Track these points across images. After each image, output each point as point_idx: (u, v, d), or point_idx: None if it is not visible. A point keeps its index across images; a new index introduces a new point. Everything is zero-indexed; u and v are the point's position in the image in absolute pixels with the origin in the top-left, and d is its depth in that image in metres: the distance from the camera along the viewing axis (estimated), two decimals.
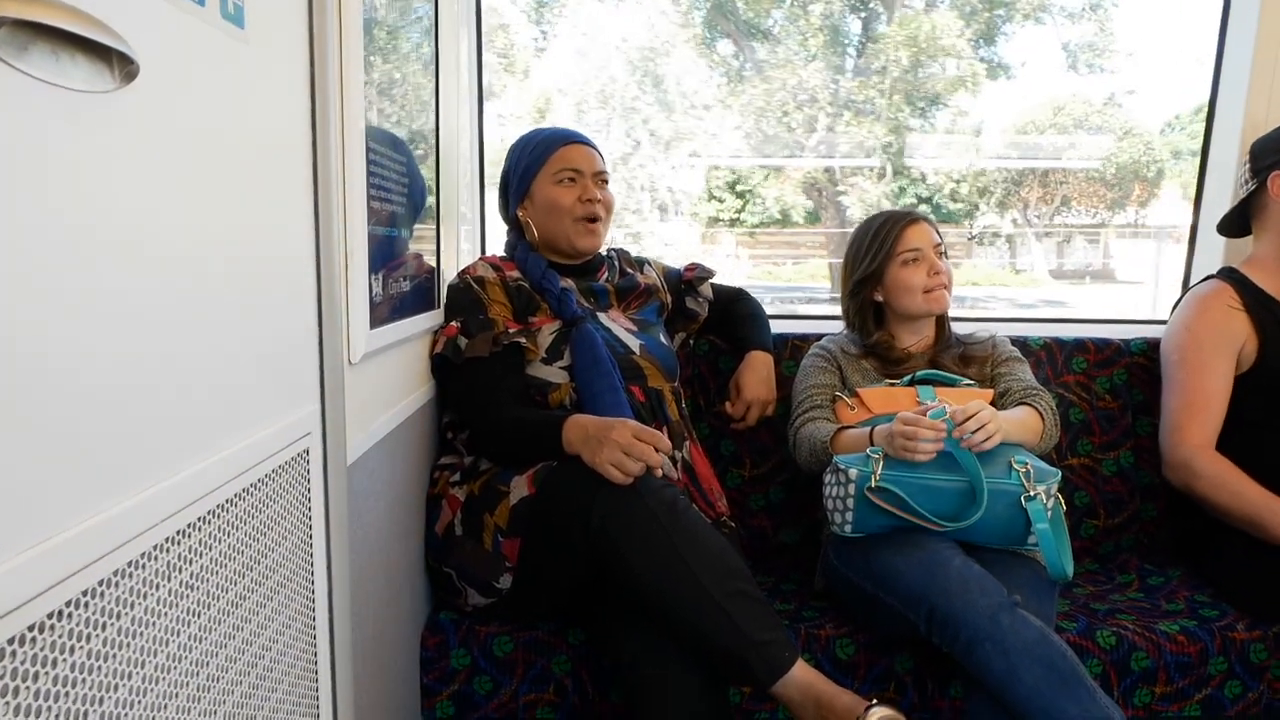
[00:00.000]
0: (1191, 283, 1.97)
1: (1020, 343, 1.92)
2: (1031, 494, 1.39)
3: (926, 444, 1.38)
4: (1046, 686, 1.20)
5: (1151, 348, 1.95)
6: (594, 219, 1.66)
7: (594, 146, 1.71)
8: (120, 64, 0.60)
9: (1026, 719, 1.21)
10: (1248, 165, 1.75)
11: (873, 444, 1.47)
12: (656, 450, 1.32)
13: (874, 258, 1.71)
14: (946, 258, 1.72)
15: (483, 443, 1.53)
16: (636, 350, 1.63)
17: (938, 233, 1.72)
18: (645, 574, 1.28)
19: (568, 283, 1.67)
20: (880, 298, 1.74)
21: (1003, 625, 1.24)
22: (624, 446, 1.31)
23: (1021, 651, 1.22)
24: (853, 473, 1.42)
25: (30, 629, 0.52)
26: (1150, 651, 1.48)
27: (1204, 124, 2.14)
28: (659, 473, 1.36)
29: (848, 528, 1.45)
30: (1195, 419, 1.68)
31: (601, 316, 1.66)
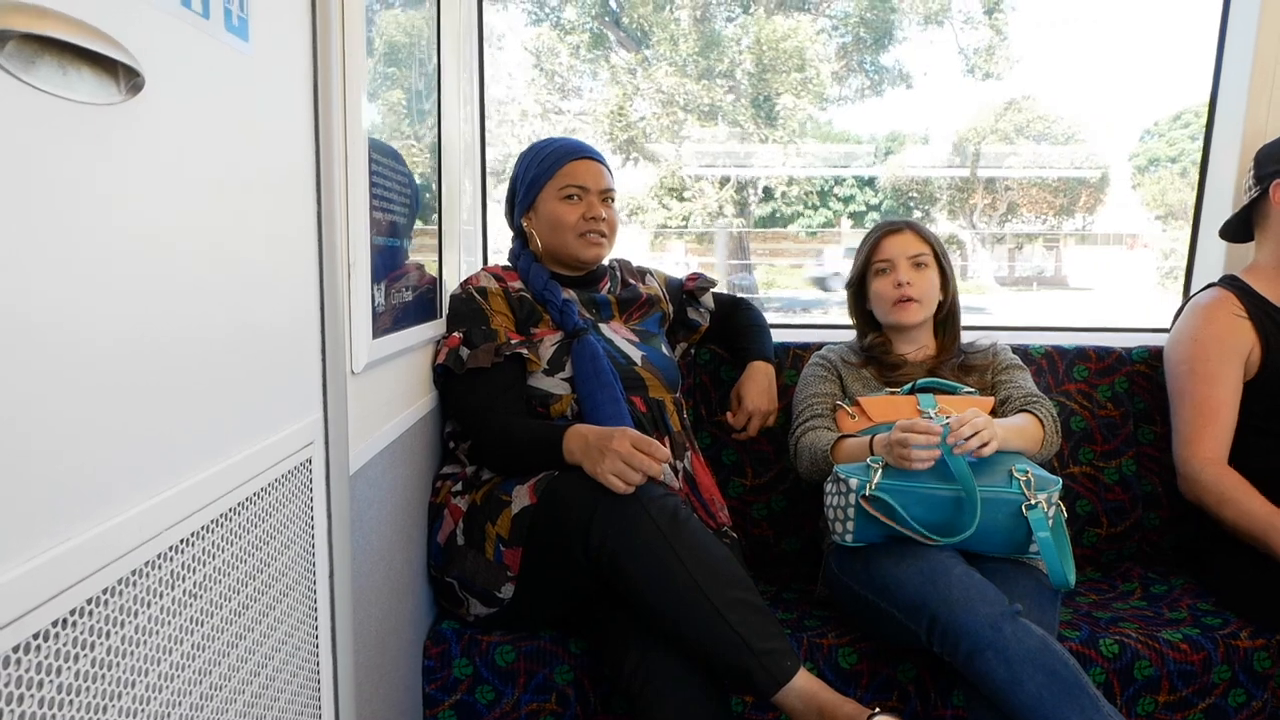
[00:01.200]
0: (1193, 290, 1.97)
1: (1021, 351, 1.92)
2: (1033, 502, 1.39)
3: (920, 451, 1.38)
4: (1049, 695, 1.19)
5: (1153, 355, 1.95)
6: (598, 236, 1.66)
7: (603, 162, 1.71)
8: (126, 76, 0.61)
9: None
10: (1252, 172, 1.76)
11: (873, 453, 1.47)
12: (656, 460, 1.33)
13: (857, 266, 1.76)
14: (940, 268, 1.72)
15: (484, 452, 1.54)
16: (638, 361, 1.64)
17: (927, 241, 1.71)
18: (646, 584, 1.28)
19: (570, 294, 1.67)
20: (870, 306, 1.77)
21: (1005, 634, 1.24)
22: (624, 456, 1.32)
23: (1024, 660, 1.22)
24: (853, 482, 1.42)
25: (35, 636, 0.52)
26: (1154, 660, 1.48)
27: (1183, 131, 2.15)
28: (660, 480, 1.36)
29: (848, 537, 1.45)
30: (1207, 431, 1.68)
31: (603, 328, 1.67)
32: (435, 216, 1.61)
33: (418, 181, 1.46)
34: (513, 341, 1.55)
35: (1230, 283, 1.78)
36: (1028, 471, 1.41)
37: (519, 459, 1.48)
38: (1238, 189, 1.81)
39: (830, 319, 1.92)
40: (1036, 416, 1.57)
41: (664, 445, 1.58)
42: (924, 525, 1.39)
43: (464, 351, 1.52)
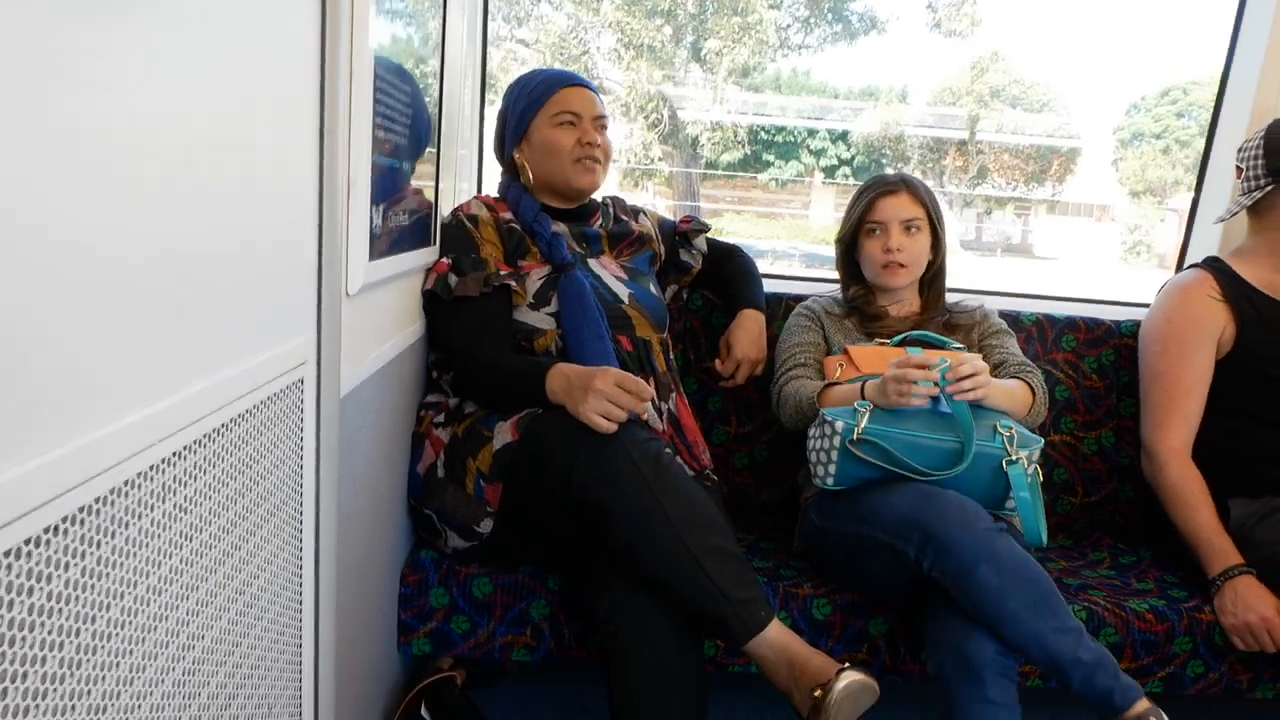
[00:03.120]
0: (1186, 265, 1.97)
1: (1012, 317, 1.93)
2: (1014, 458, 1.40)
3: (921, 387, 1.39)
4: (1032, 604, 1.26)
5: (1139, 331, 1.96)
6: (593, 161, 1.64)
7: (593, 89, 1.68)
8: None
9: (1012, 634, 1.26)
10: (1262, 161, 1.68)
11: (863, 397, 1.47)
12: (641, 398, 1.32)
13: (849, 223, 1.74)
14: (933, 231, 1.70)
15: (466, 384, 1.52)
16: (625, 299, 1.62)
17: (922, 203, 1.69)
18: (625, 526, 1.28)
19: (560, 227, 1.64)
20: (857, 260, 1.76)
21: (998, 547, 1.28)
22: (609, 395, 1.31)
23: (1011, 572, 1.27)
24: (839, 425, 1.42)
25: (27, 542, 0.50)
26: (1119, 628, 1.51)
27: (1170, 107, 2.14)
28: (645, 418, 1.35)
29: (830, 480, 1.46)
30: (1175, 415, 1.70)
31: (592, 263, 1.65)
32: (435, 141, 1.57)
33: (422, 104, 1.42)
34: (501, 273, 1.53)
35: (1212, 264, 1.78)
36: (1011, 428, 1.43)
37: (502, 393, 1.46)
38: (1246, 173, 1.75)
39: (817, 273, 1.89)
40: (1029, 384, 1.58)
41: (649, 386, 1.57)
42: (912, 472, 1.41)
43: (452, 279, 1.49)
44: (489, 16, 2.05)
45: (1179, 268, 2.14)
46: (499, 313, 1.53)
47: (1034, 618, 1.25)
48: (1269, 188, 1.67)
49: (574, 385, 1.35)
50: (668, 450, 1.37)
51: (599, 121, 1.66)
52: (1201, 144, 2.12)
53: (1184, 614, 1.54)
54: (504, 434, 1.41)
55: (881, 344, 1.65)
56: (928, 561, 1.31)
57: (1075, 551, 1.85)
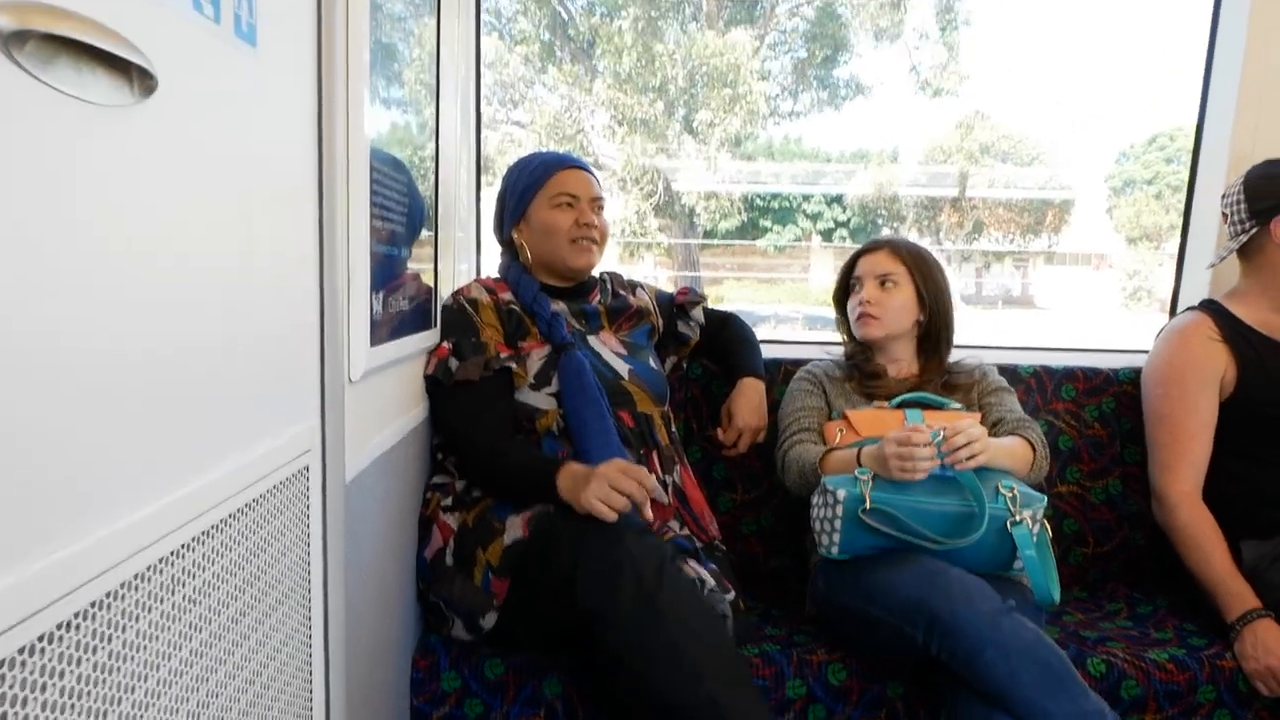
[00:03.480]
0: (1178, 311, 1.99)
1: (1010, 370, 1.94)
2: (1017, 519, 1.40)
3: (923, 462, 1.39)
4: (1044, 686, 1.22)
5: (1140, 377, 1.97)
6: (589, 242, 1.67)
7: (591, 171, 1.73)
8: (139, 78, 0.61)
9: (1026, 717, 1.23)
10: (1245, 205, 1.72)
11: (860, 465, 1.48)
12: (643, 484, 1.33)
13: (838, 282, 1.84)
14: (917, 290, 1.72)
15: (468, 471, 1.53)
16: (625, 375, 1.64)
17: (901, 260, 1.72)
18: (627, 655, 1.24)
19: (559, 306, 1.67)
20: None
21: (1004, 629, 1.26)
22: (610, 480, 1.32)
23: (1020, 654, 1.24)
24: (840, 494, 1.43)
25: (40, 639, 0.52)
26: (1140, 680, 1.49)
27: (1158, 154, 2.18)
28: (646, 510, 1.34)
29: (835, 549, 1.45)
30: (1183, 458, 1.70)
31: (591, 340, 1.67)
32: (432, 226, 1.61)
33: (418, 191, 1.47)
34: (501, 356, 1.55)
35: (1208, 306, 1.80)
36: (1014, 488, 1.43)
37: (506, 485, 1.48)
38: (1231, 219, 1.78)
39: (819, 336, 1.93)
40: (1028, 440, 1.58)
41: (653, 460, 1.58)
42: (919, 539, 1.40)
43: (453, 363, 1.51)
44: (482, 101, 2.11)
45: (1172, 313, 2.17)
46: (500, 395, 1.55)
47: (1047, 699, 1.22)
48: (1254, 230, 1.71)
49: (578, 479, 1.36)
50: (671, 563, 1.32)
51: (596, 203, 1.69)
52: None
53: (1205, 662, 1.52)
54: (515, 529, 1.42)
55: (880, 406, 1.66)
56: (935, 646, 1.30)
57: (1091, 604, 1.83)
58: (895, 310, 1.72)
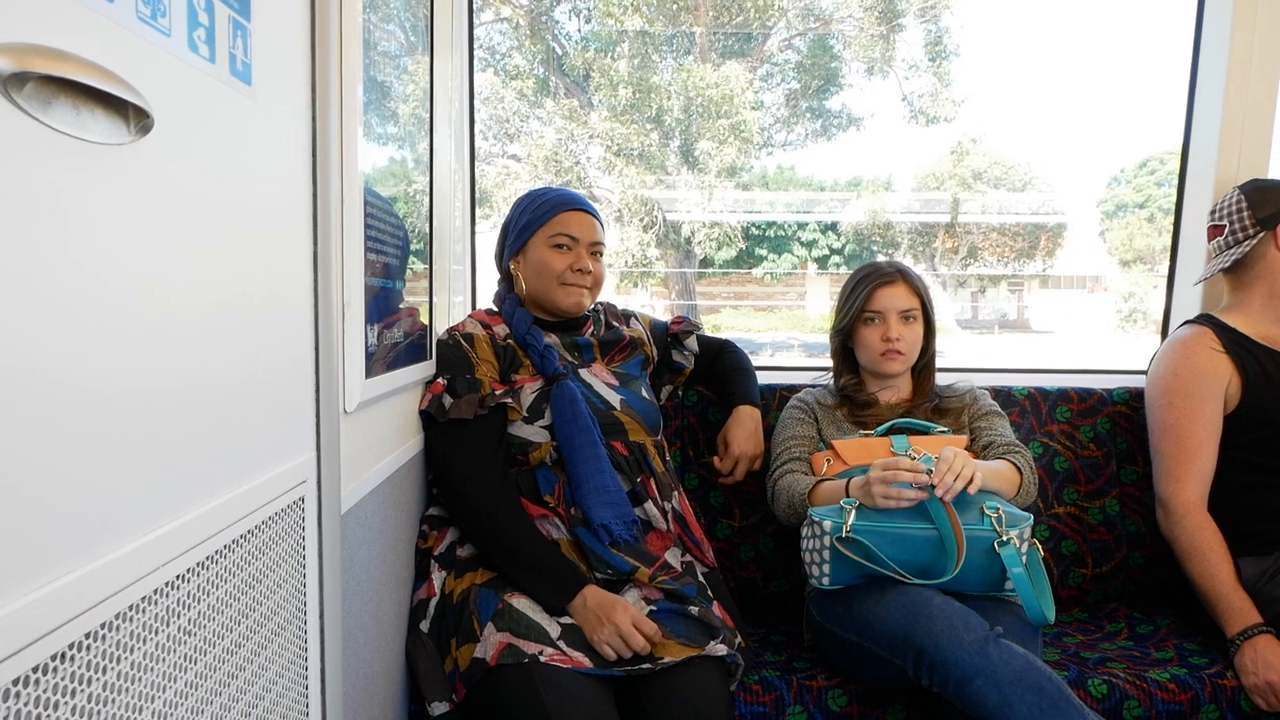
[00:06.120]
0: (1170, 330, 2.00)
1: (1004, 393, 1.95)
2: (1004, 539, 1.40)
3: (908, 490, 1.39)
4: (1040, 712, 1.21)
5: (1134, 396, 1.98)
6: (580, 287, 1.67)
7: (596, 215, 1.72)
8: (136, 118, 0.63)
9: None
10: (1247, 214, 1.75)
11: (848, 495, 1.48)
12: (647, 643, 1.36)
13: (847, 313, 1.77)
14: (925, 319, 1.74)
15: (463, 526, 1.53)
16: (617, 406, 1.64)
17: (917, 293, 1.73)
18: None
19: (552, 339, 1.68)
20: (853, 347, 1.79)
21: (991, 658, 1.25)
22: (623, 633, 1.35)
23: (1012, 682, 1.23)
24: (826, 524, 1.43)
25: (35, 670, 0.52)
26: (1142, 700, 1.48)
27: (1149, 177, 2.20)
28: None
29: (825, 580, 1.46)
30: (1189, 468, 1.70)
31: (583, 372, 1.67)
32: (427, 260, 1.62)
33: (410, 225, 1.48)
34: (496, 392, 1.56)
35: (1206, 319, 1.81)
36: (999, 509, 1.43)
37: (509, 563, 1.46)
38: (1228, 231, 1.80)
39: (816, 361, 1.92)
40: (1015, 465, 1.59)
41: (651, 487, 1.59)
42: (901, 566, 1.40)
43: (447, 400, 1.52)
44: (477, 135, 2.14)
45: (1164, 332, 2.18)
46: (495, 434, 1.55)
47: None
48: (1258, 238, 1.74)
49: (592, 610, 1.38)
50: None
51: (595, 248, 1.69)
52: None
53: (1207, 681, 1.51)
54: (488, 646, 1.36)
55: (866, 435, 1.67)
56: (924, 678, 1.30)
57: (1091, 624, 1.82)
58: (915, 344, 1.73)
